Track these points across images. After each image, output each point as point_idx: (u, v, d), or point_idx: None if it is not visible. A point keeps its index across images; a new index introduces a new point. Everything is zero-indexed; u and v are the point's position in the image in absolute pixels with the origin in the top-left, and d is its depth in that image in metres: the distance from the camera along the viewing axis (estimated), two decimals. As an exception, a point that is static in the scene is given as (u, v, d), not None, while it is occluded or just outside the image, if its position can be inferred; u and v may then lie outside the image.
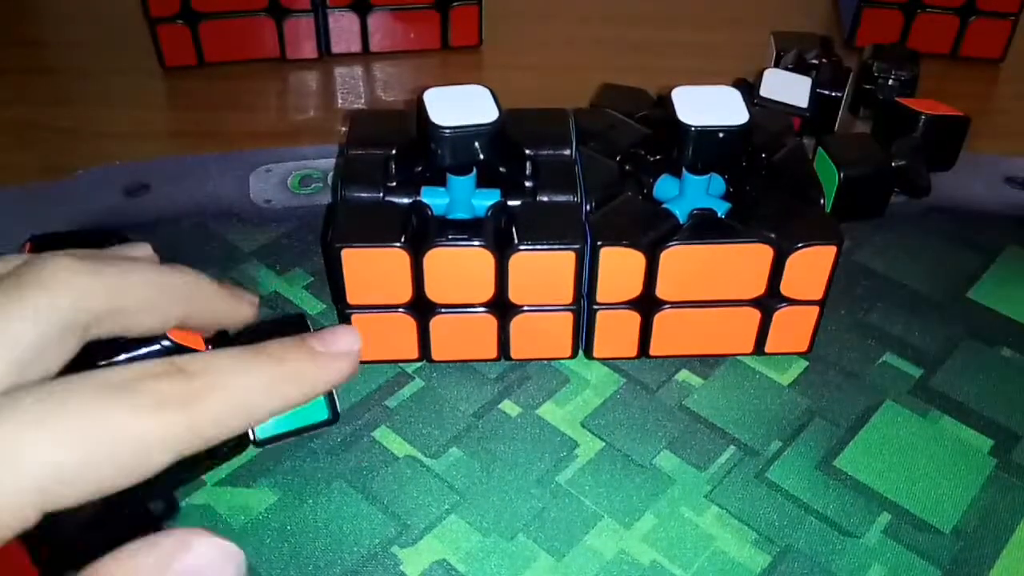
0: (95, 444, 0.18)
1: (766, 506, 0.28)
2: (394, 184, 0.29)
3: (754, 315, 0.30)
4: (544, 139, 0.31)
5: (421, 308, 0.29)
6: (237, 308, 0.26)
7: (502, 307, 0.29)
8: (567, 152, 0.31)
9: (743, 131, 0.28)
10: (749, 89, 0.38)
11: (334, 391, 0.28)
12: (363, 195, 0.29)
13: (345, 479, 0.28)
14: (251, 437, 0.28)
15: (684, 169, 0.29)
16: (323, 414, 0.29)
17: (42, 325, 0.20)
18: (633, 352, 0.31)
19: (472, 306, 0.29)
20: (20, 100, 0.45)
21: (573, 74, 0.47)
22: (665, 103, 0.29)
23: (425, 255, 0.28)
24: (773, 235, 0.28)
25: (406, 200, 0.29)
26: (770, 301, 0.30)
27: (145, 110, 0.45)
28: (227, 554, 0.19)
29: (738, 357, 0.32)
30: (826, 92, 0.39)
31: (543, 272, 0.28)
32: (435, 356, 0.31)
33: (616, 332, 0.30)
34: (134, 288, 0.23)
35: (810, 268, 0.29)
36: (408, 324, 0.30)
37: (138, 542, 0.18)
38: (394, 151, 0.30)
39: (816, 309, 0.30)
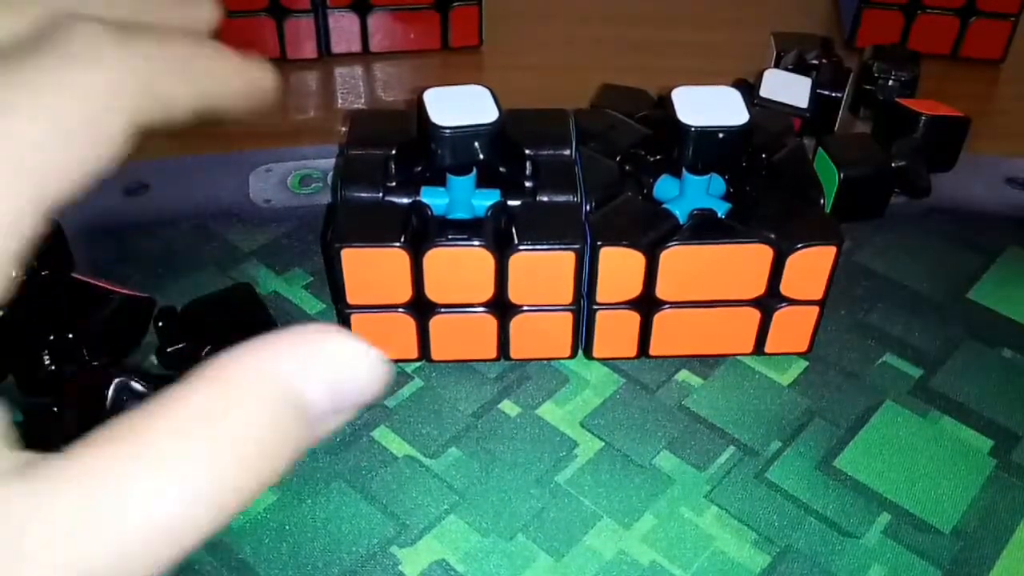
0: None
1: (766, 506, 0.28)
2: (394, 184, 0.29)
3: (754, 315, 0.30)
4: (544, 139, 0.31)
5: (421, 308, 0.29)
6: (192, 6, 0.22)
7: (502, 307, 0.29)
8: (567, 152, 0.31)
9: (743, 131, 0.28)
10: (749, 89, 0.38)
11: None
12: (363, 195, 0.29)
13: (344, 479, 0.28)
14: None
15: (684, 169, 0.29)
16: None
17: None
18: (633, 352, 0.31)
19: (472, 306, 0.29)
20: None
21: (573, 74, 0.47)
22: (665, 103, 0.29)
23: (425, 255, 0.28)
24: (773, 235, 0.28)
25: (406, 200, 0.29)
26: (770, 301, 0.30)
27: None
28: (371, 360, 0.17)
29: (738, 357, 0.32)
30: (826, 92, 0.39)
31: (543, 272, 0.28)
32: (435, 356, 0.31)
33: (616, 332, 0.30)
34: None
35: (810, 268, 0.29)
36: (408, 324, 0.30)
37: (273, 335, 0.16)
38: (394, 151, 0.30)
39: (816, 309, 0.30)
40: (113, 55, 0.18)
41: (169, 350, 0.29)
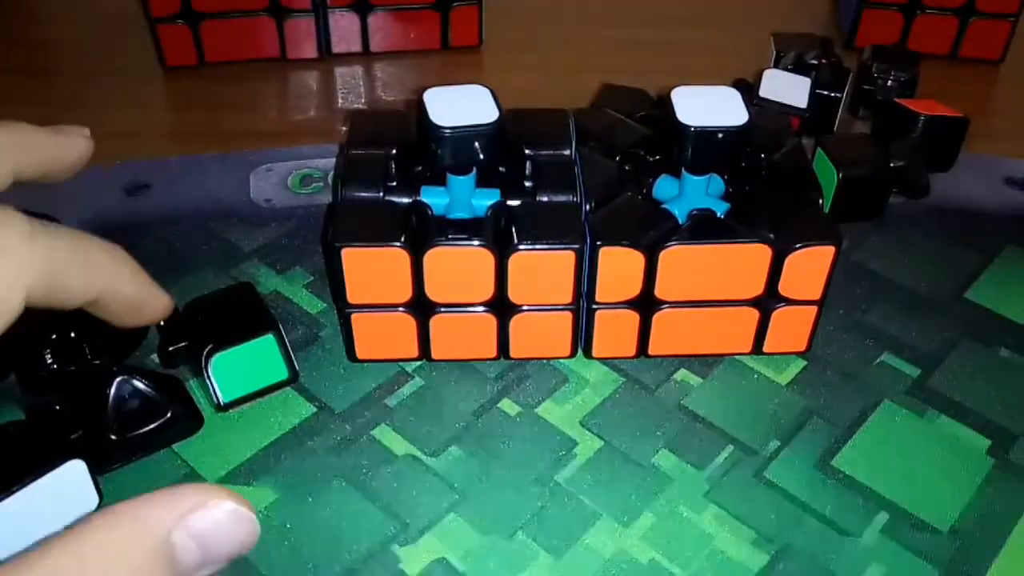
0: None
1: (764, 505, 0.28)
2: (394, 184, 0.29)
3: (753, 315, 0.30)
4: (544, 139, 0.31)
5: (421, 307, 0.29)
6: (66, 144, 0.26)
7: (502, 306, 0.29)
8: (567, 152, 0.31)
9: (742, 131, 0.28)
10: (749, 89, 0.38)
11: (288, 346, 0.29)
12: (363, 195, 0.29)
13: (345, 478, 0.28)
14: (216, 402, 0.28)
15: (683, 169, 0.29)
16: (282, 374, 0.29)
17: None
18: (632, 351, 0.31)
19: (472, 305, 0.29)
20: (20, 100, 0.45)
21: (573, 74, 0.47)
22: (665, 103, 0.29)
23: (425, 254, 0.28)
24: (772, 235, 0.28)
25: (406, 200, 0.29)
26: (769, 301, 0.30)
27: (145, 110, 0.45)
28: (240, 518, 0.19)
29: (737, 357, 0.32)
30: (825, 93, 0.39)
31: (543, 272, 0.28)
32: (435, 355, 0.31)
33: (615, 331, 0.30)
34: None
35: (809, 268, 0.29)
36: (408, 323, 0.30)
37: (158, 492, 0.18)
38: (394, 151, 0.30)
39: (814, 309, 0.30)
40: (17, 246, 0.22)
41: (170, 349, 0.29)
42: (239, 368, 0.28)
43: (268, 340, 0.28)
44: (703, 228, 0.29)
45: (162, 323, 0.30)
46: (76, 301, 0.24)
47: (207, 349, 0.27)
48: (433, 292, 0.29)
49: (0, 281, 0.21)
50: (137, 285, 0.26)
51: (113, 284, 0.25)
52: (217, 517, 0.18)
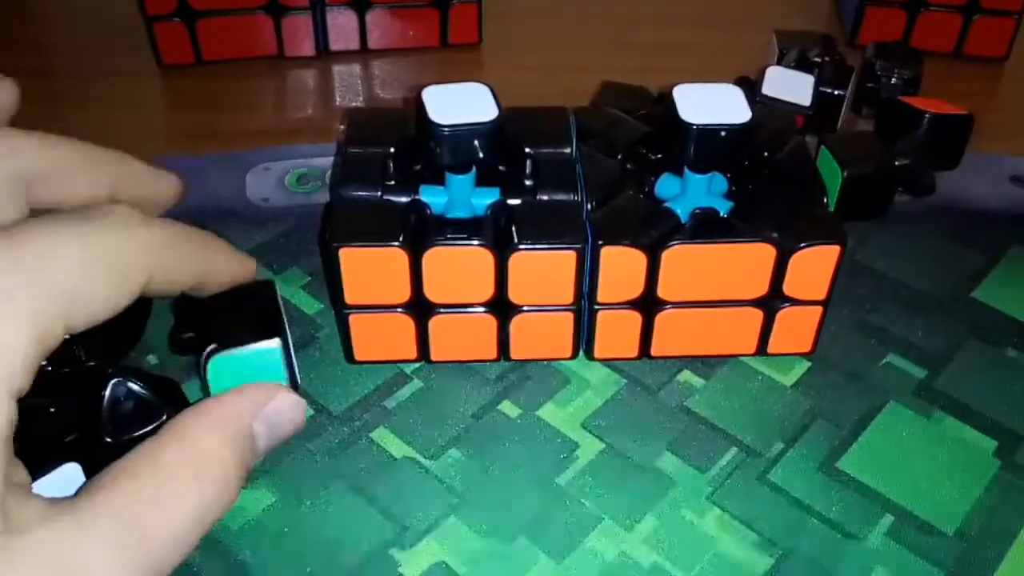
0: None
1: (768, 508, 0.27)
2: (392, 183, 0.29)
3: (756, 315, 0.30)
4: (544, 137, 0.31)
5: (420, 308, 0.29)
6: (158, 182, 0.30)
7: (502, 307, 0.29)
8: (567, 150, 0.31)
9: (745, 129, 0.27)
10: (751, 87, 0.38)
11: (292, 355, 0.28)
12: (361, 194, 0.29)
13: (343, 480, 0.28)
14: None
15: (686, 168, 0.29)
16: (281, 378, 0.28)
17: None
18: (634, 352, 0.31)
19: (471, 306, 0.29)
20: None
21: (573, 73, 0.47)
22: (666, 101, 0.28)
23: (424, 254, 0.28)
24: (776, 234, 0.28)
25: (405, 199, 0.29)
26: (773, 301, 0.30)
27: (142, 108, 0.45)
28: (296, 406, 0.25)
29: (740, 358, 0.32)
30: (829, 90, 0.39)
31: (543, 272, 0.28)
32: (434, 356, 0.30)
33: (617, 332, 0.30)
34: (62, 152, 0.26)
35: (813, 268, 0.29)
36: (407, 324, 0.29)
37: (233, 391, 0.24)
38: (392, 149, 0.30)
39: (819, 309, 0.30)
40: (139, 226, 0.23)
41: (181, 337, 0.29)
42: (237, 372, 0.27)
43: (272, 350, 0.27)
44: (706, 227, 0.28)
45: (178, 309, 0.30)
46: (183, 285, 0.26)
47: (209, 349, 0.27)
48: (432, 292, 0.29)
49: (126, 257, 0.23)
50: (231, 265, 0.27)
51: (213, 267, 0.27)
52: (282, 408, 0.24)
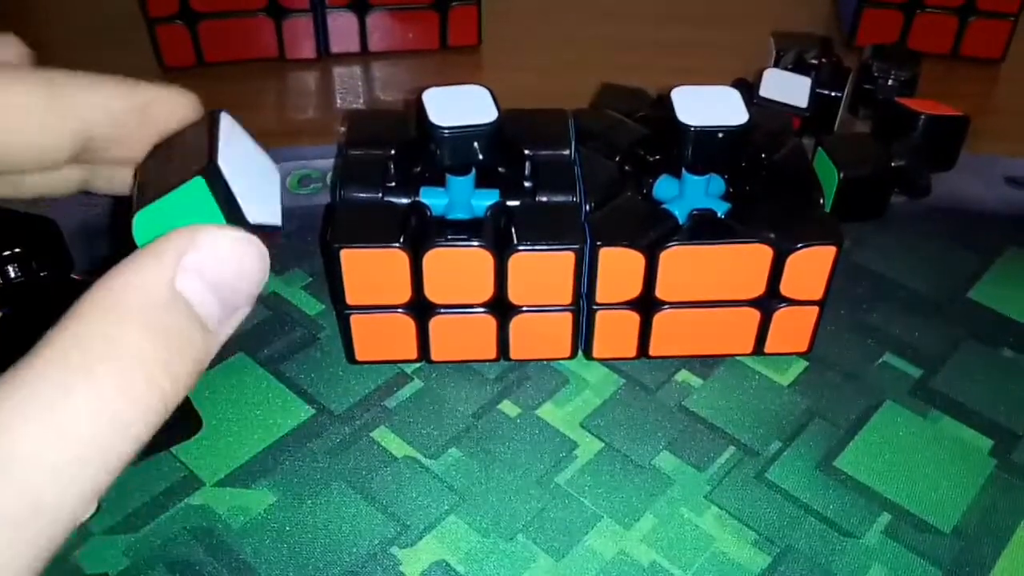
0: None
1: (766, 507, 0.28)
2: (393, 184, 0.29)
3: (754, 315, 0.30)
4: (543, 139, 0.31)
5: (420, 308, 0.29)
6: (157, 96, 0.22)
7: (501, 307, 0.29)
8: (566, 152, 0.31)
9: (743, 131, 0.28)
10: (749, 89, 0.38)
11: (230, 190, 0.20)
12: (362, 195, 0.29)
13: (344, 479, 0.28)
14: None
15: (684, 169, 0.29)
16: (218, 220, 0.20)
17: None
18: (632, 352, 0.31)
19: (471, 306, 0.29)
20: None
21: (573, 74, 0.47)
22: (664, 103, 0.29)
23: (424, 255, 0.28)
24: (773, 235, 0.28)
25: (405, 200, 0.29)
26: (770, 301, 0.30)
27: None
28: (240, 246, 0.17)
29: (738, 357, 0.32)
30: (826, 92, 0.39)
31: (542, 272, 0.28)
32: (434, 356, 0.31)
33: (615, 332, 0.30)
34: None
35: (810, 268, 0.29)
36: (407, 324, 0.30)
37: (141, 251, 0.17)
38: (393, 151, 0.30)
39: (816, 309, 0.30)
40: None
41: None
42: (167, 227, 0.20)
43: (196, 184, 0.20)
44: (704, 228, 0.29)
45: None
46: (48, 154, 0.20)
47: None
48: (432, 293, 0.29)
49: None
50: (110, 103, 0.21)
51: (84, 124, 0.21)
52: (219, 251, 0.18)
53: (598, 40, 0.51)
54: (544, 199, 0.29)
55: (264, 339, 0.32)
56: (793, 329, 0.31)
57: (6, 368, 0.29)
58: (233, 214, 0.20)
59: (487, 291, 0.29)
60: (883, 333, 0.33)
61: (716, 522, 0.27)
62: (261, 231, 0.20)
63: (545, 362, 0.32)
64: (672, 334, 0.30)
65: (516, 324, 0.30)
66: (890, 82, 0.41)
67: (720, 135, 0.27)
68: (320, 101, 0.46)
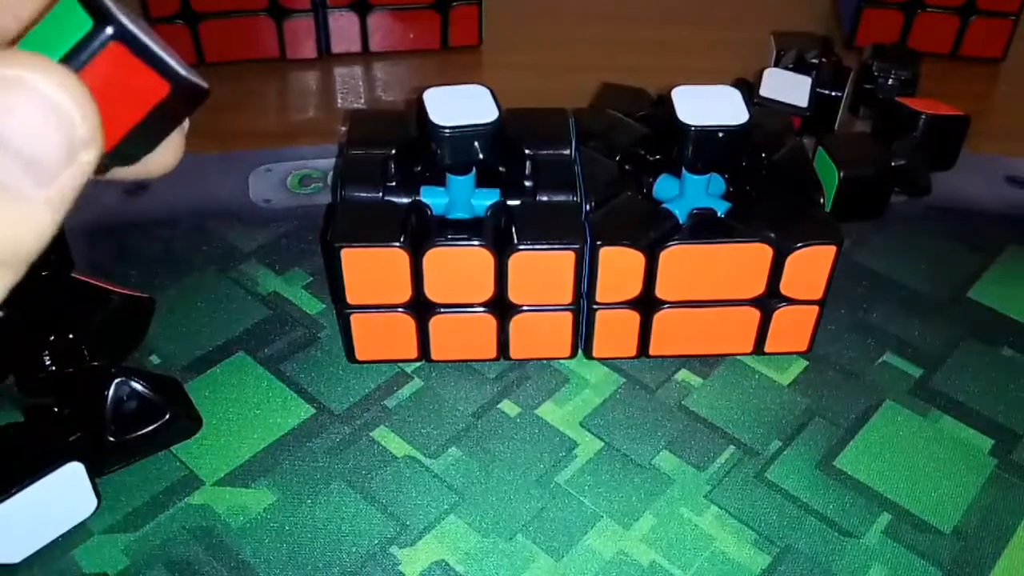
0: None
1: (766, 506, 0.28)
2: (394, 184, 0.29)
3: (754, 315, 0.30)
4: (544, 139, 0.31)
5: (420, 308, 0.29)
6: None
7: (501, 307, 0.29)
8: (567, 152, 0.31)
9: (743, 131, 0.28)
10: (749, 89, 0.38)
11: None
12: (363, 195, 0.29)
13: (344, 479, 0.28)
14: None
15: (684, 169, 0.29)
16: (87, 25, 0.16)
17: None
18: (632, 352, 0.31)
19: (471, 306, 0.29)
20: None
21: (573, 74, 0.47)
22: (665, 103, 0.29)
23: (425, 255, 0.28)
24: (773, 235, 0.28)
25: (406, 200, 0.29)
26: (770, 301, 0.30)
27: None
28: (58, 112, 0.14)
29: (738, 357, 0.32)
30: (826, 92, 0.39)
31: (542, 272, 0.28)
32: (434, 356, 0.31)
33: (615, 332, 0.30)
34: None
35: (810, 268, 0.29)
36: (407, 324, 0.30)
37: None
38: (394, 151, 0.30)
39: (816, 309, 0.30)
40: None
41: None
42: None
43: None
44: (704, 228, 0.29)
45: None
46: None
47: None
48: (433, 292, 0.29)
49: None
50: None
51: None
52: (31, 120, 0.14)
53: (598, 40, 0.51)
54: (544, 199, 0.29)
55: (264, 338, 0.32)
56: (793, 328, 0.31)
57: (6, 368, 0.29)
58: (152, 60, 0.17)
59: (487, 290, 0.29)
60: (883, 332, 0.33)
61: (716, 522, 0.27)
62: (187, 86, 0.17)
63: (545, 361, 0.32)
64: (672, 333, 0.30)
65: (516, 323, 0.30)
66: (890, 82, 0.41)
67: (720, 135, 0.27)
68: (321, 101, 0.46)
